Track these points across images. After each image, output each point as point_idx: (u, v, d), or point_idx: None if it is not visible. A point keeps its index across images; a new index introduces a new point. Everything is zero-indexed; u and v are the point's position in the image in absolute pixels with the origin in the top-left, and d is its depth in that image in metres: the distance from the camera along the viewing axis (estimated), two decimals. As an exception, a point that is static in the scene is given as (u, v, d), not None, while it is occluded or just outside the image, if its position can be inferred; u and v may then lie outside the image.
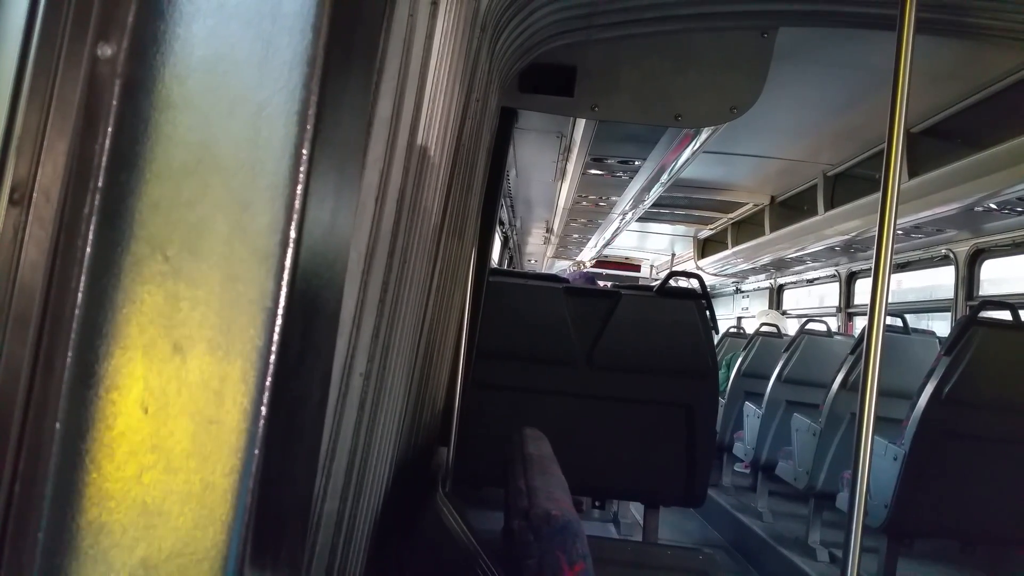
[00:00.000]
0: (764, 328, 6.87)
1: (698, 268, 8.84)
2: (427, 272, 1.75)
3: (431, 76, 1.33)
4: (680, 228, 8.82)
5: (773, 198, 6.53)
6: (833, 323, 6.71)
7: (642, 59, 2.84)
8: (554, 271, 11.81)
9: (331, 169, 0.55)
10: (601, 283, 5.05)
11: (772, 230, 6.57)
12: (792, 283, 8.37)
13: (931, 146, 4.09)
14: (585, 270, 10.51)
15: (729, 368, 6.84)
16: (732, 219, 7.61)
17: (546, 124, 4.53)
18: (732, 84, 2.83)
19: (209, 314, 0.49)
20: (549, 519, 1.25)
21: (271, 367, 0.49)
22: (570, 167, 5.30)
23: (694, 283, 3.89)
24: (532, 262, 13.03)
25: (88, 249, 0.47)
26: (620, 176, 5.46)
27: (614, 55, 2.83)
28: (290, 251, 0.49)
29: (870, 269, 2.13)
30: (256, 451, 0.48)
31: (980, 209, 4.03)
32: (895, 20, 2.09)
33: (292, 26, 0.49)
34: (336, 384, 1.09)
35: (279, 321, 0.49)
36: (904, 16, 2.06)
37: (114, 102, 0.48)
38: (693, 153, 4.19)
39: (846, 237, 5.49)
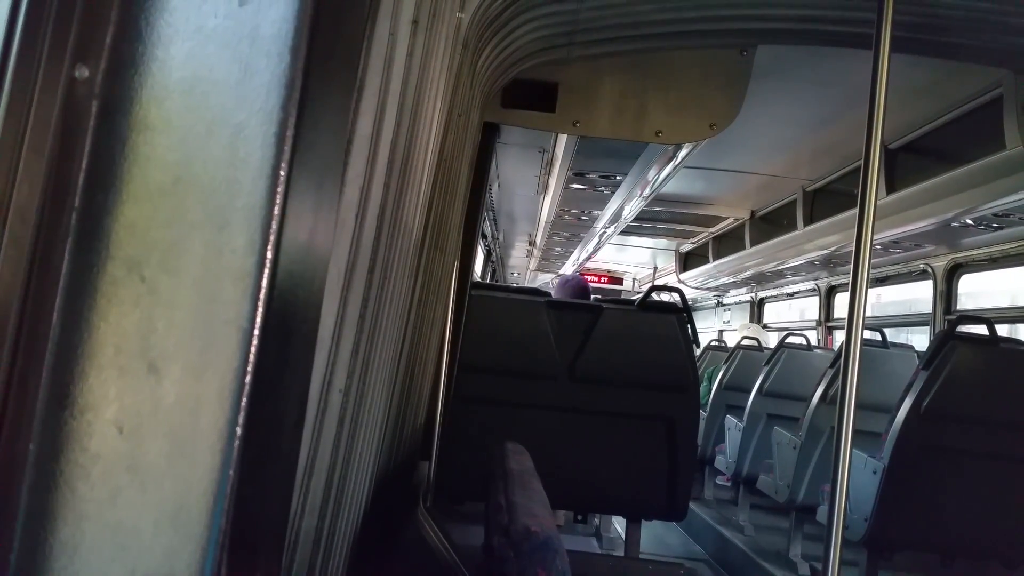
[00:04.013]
0: (745, 341, 6.91)
1: (680, 281, 8.87)
2: (409, 287, 1.76)
3: (412, 93, 1.33)
4: (662, 242, 8.86)
5: (753, 213, 6.59)
6: (814, 336, 6.76)
7: (623, 76, 2.86)
8: (537, 284, 11.83)
9: (310, 188, 0.55)
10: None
11: (752, 244, 6.62)
12: (773, 297, 8.43)
13: (908, 162, 4.14)
14: (575, 273, 10.45)
15: (711, 381, 6.85)
16: (713, 233, 7.66)
17: (528, 139, 4.56)
18: (712, 101, 2.86)
19: (185, 334, 0.49)
20: (529, 535, 1.24)
21: (247, 386, 0.49)
22: (552, 181, 5.33)
23: (676, 297, 3.91)
24: (515, 275, 13.04)
25: (64, 269, 0.47)
26: (602, 191, 5.49)
27: (595, 72, 2.86)
28: (267, 271, 0.50)
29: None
30: (231, 471, 0.48)
31: (957, 225, 4.08)
32: (872, 39, 2.12)
33: (270, 49, 0.50)
34: (315, 401, 1.09)
35: (255, 340, 0.49)
36: (881, 35, 2.10)
37: (91, 123, 0.48)
38: (674, 168, 4.22)
39: (825, 252, 5.54)
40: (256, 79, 0.49)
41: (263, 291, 0.49)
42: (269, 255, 0.49)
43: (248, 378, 0.49)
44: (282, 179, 0.50)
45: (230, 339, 0.49)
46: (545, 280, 12.49)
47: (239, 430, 0.49)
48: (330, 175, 0.62)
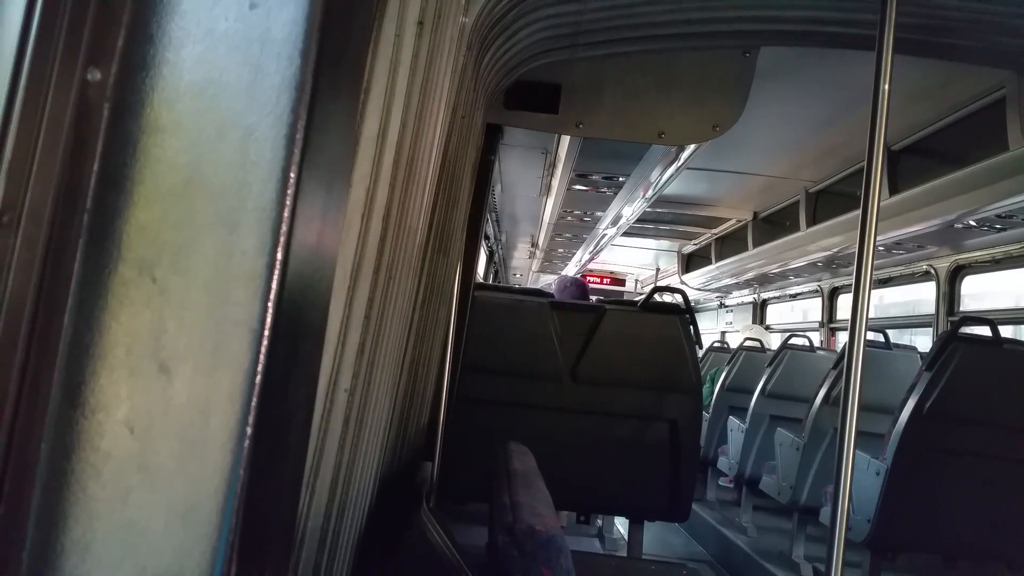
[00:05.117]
0: (748, 343, 6.90)
1: (682, 283, 8.87)
2: (413, 287, 1.76)
3: (417, 94, 1.34)
4: (664, 243, 8.86)
5: (756, 214, 6.59)
6: (816, 338, 6.76)
7: (626, 77, 2.87)
8: (540, 285, 11.82)
9: (318, 189, 0.55)
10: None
11: (755, 245, 6.62)
12: (776, 298, 8.42)
13: (911, 163, 4.14)
14: (577, 274, 10.44)
15: (713, 382, 6.85)
16: (716, 234, 7.66)
17: (531, 140, 4.56)
18: (715, 102, 2.86)
19: (195, 335, 0.49)
20: (533, 534, 1.25)
21: (256, 387, 0.49)
22: (555, 183, 5.33)
23: (678, 298, 3.91)
24: (518, 276, 13.04)
25: (76, 270, 0.48)
26: (604, 192, 5.49)
27: (598, 73, 2.86)
28: (276, 272, 0.50)
29: (852, 285, 2.16)
30: (241, 471, 0.49)
31: (960, 226, 4.08)
32: (875, 40, 2.12)
33: (280, 51, 0.50)
34: (321, 401, 1.09)
35: (265, 341, 0.50)
36: (883, 36, 2.10)
37: (103, 125, 0.48)
38: (677, 170, 4.22)
39: (828, 253, 5.54)
40: (266, 82, 0.50)
41: (272, 292, 0.50)
42: (279, 256, 0.50)
43: (258, 378, 0.49)
44: (292, 181, 0.50)
45: (240, 340, 0.49)
46: (548, 281, 12.49)
47: (249, 430, 0.49)
48: (338, 177, 0.62)
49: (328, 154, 0.57)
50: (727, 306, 10.38)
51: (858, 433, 2.10)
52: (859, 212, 2.14)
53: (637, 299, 3.89)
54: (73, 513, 0.47)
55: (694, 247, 8.63)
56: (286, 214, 0.50)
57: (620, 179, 5.10)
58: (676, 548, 5.58)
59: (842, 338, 6.69)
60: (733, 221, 7.03)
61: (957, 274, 4.92)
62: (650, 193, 4.97)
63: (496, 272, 10.55)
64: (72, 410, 0.47)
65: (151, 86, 0.49)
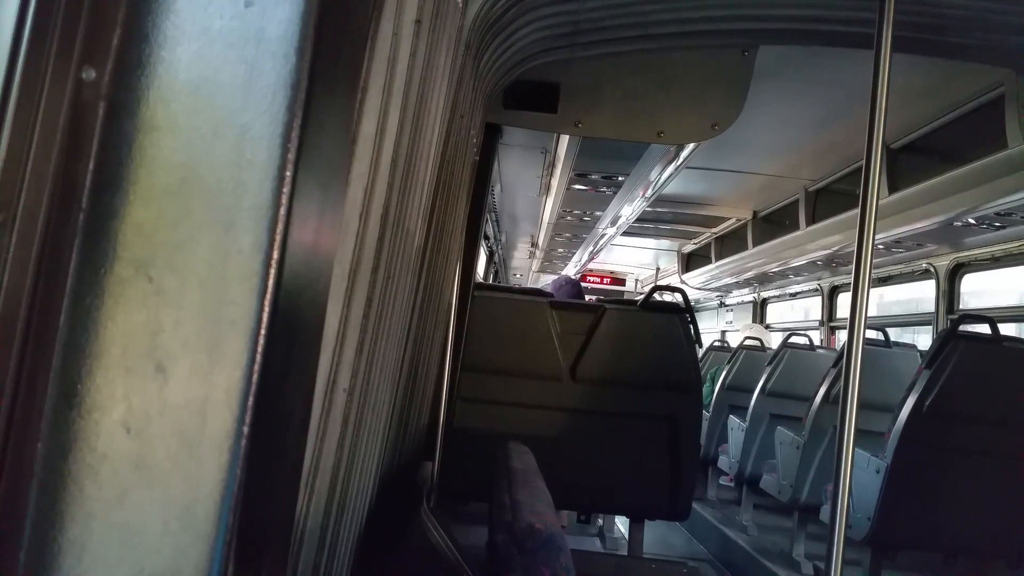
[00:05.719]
0: (748, 341, 6.90)
1: (682, 282, 8.87)
2: (412, 287, 1.76)
3: (415, 94, 1.34)
4: (664, 242, 8.85)
5: (755, 213, 6.58)
6: (816, 337, 6.75)
7: (625, 77, 2.87)
8: (540, 285, 11.82)
9: (315, 188, 0.55)
10: (587, 297, 5.06)
11: (755, 244, 6.61)
12: (775, 297, 8.42)
13: (910, 162, 4.14)
14: (573, 275, 10.44)
15: (713, 381, 6.85)
16: (715, 234, 7.65)
17: (530, 140, 4.56)
18: (714, 101, 2.86)
19: (192, 334, 0.49)
20: (533, 533, 1.25)
21: (254, 386, 0.49)
22: (554, 182, 5.33)
23: (678, 297, 3.91)
24: (518, 276, 13.04)
25: (71, 269, 0.48)
26: (604, 191, 5.49)
27: (597, 72, 2.86)
28: (273, 271, 0.50)
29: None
30: (239, 470, 0.49)
31: (959, 224, 4.08)
32: (873, 39, 2.12)
33: (276, 50, 0.50)
34: (319, 400, 1.09)
35: (262, 340, 0.50)
36: (882, 35, 2.10)
37: (98, 124, 0.48)
38: (676, 169, 4.22)
39: (828, 251, 5.54)
40: (262, 80, 0.50)
41: (269, 291, 0.50)
42: (275, 255, 0.50)
43: (255, 378, 0.49)
44: (288, 180, 0.50)
45: (237, 339, 0.49)
46: (548, 281, 12.45)
47: (246, 429, 0.49)
48: (335, 176, 0.62)
49: (325, 153, 0.57)
50: (727, 305, 10.37)
51: (858, 431, 2.10)
52: (858, 211, 2.14)
53: (637, 298, 3.88)
54: (70, 513, 0.47)
55: (694, 246, 8.63)
56: (283, 213, 0.50)
57: (619, 178, 5.10)
58: (677, 547, 5.58)
59: (842, 336, 6.68)
60: (733, 220, 7.02)
61: (956, 272, 4.92)
62: (649, 192, 4.97)
63: (496, 272, 10.54)
64: (68, 410, 0.47)
65: (146, 85, 0.48)
